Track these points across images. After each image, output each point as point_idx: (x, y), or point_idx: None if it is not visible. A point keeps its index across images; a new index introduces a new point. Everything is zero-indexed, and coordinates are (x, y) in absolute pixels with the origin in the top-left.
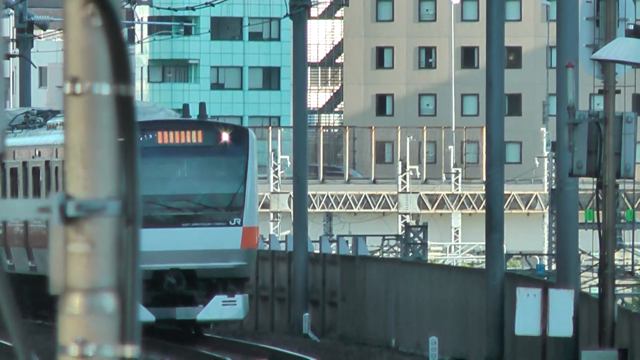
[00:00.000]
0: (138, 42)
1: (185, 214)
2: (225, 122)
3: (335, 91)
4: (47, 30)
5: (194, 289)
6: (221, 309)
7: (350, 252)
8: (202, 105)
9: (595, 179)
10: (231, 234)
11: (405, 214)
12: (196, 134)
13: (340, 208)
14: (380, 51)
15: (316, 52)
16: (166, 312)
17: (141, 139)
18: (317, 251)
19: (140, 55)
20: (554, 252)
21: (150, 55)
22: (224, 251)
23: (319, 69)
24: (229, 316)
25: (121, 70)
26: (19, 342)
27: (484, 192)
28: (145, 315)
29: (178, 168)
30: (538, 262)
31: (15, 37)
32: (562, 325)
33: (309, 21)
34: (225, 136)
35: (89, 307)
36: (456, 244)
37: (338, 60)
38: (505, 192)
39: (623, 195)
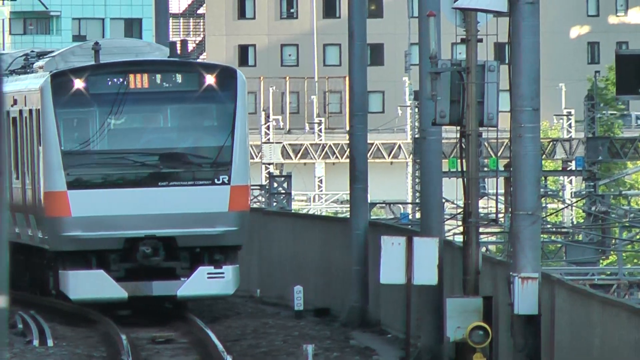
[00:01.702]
0: None
1: (162, 172)
2: (210, 62)
3: (197, 42)
4: None
5: (174, 260)
6: (206, 282)
7: None
8: (183, 43)
9: (458, 128)
10: (217, 194)
11: (269, 164)
12: (175, 76)
13: None
14: (241, 2)
15: (178, 3)
16: (141, 287)
17: (109, 83)
18: None
19: (2, 7)
20: (418, 200)
21: (12, 7)
22: (209, 214)
23: (181, 20)
24: (215, 291)
25: None
26: None
27: (347, 142)
28: (117, 291)
29: (154, 117)
30: (402, 211)
31: None
32: (426, 274)
33: None
34: (209, 79)
35: None
36: (320, 194)
37: (200, 11)
38: (369, 141)
39: (486, 143)
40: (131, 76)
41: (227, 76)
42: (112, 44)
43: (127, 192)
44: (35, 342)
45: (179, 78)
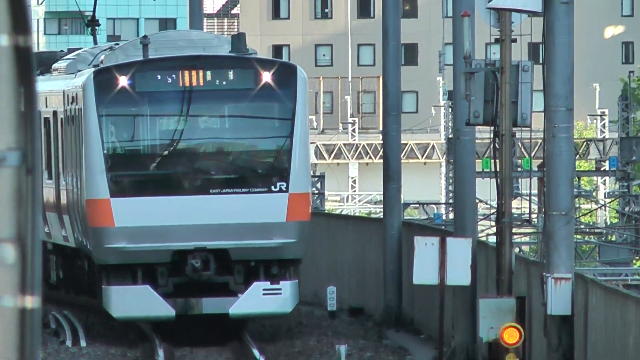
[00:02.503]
0: None
1: (214, 178)
2: (268, 58)
3: None
4: None
5: (227, 274)
6: (262, 299)
7: None
8: (241, 37)
9: (492, 128)
10: (274, 202)
11: None
12: (229, 73)
13: None
14: (276, 1)
15: (212, 2)
16: (190, 304)
17: (158, 80)
18: None
19: (36, 7)
20: (451, 201)
21: (46, 7)
22: (265, 225)
23: (215, 20)
24: (271, 309)
25: (20, 22)
26: None
27: (381, 142)
28: (163, 308)
29: (205, 118)
30: (435, 211)
31: None
32: (460, 274)
33: None
34: (266, 76)
35: None
36: (353, 194)
37: (234, 11)
38: (402, 141)
39: (520, 143)
40: (181, 73)
41: (286, 73)
42: (176, 37)
43: (175, 200)
44: (69, 342)
45: (233, 75)
